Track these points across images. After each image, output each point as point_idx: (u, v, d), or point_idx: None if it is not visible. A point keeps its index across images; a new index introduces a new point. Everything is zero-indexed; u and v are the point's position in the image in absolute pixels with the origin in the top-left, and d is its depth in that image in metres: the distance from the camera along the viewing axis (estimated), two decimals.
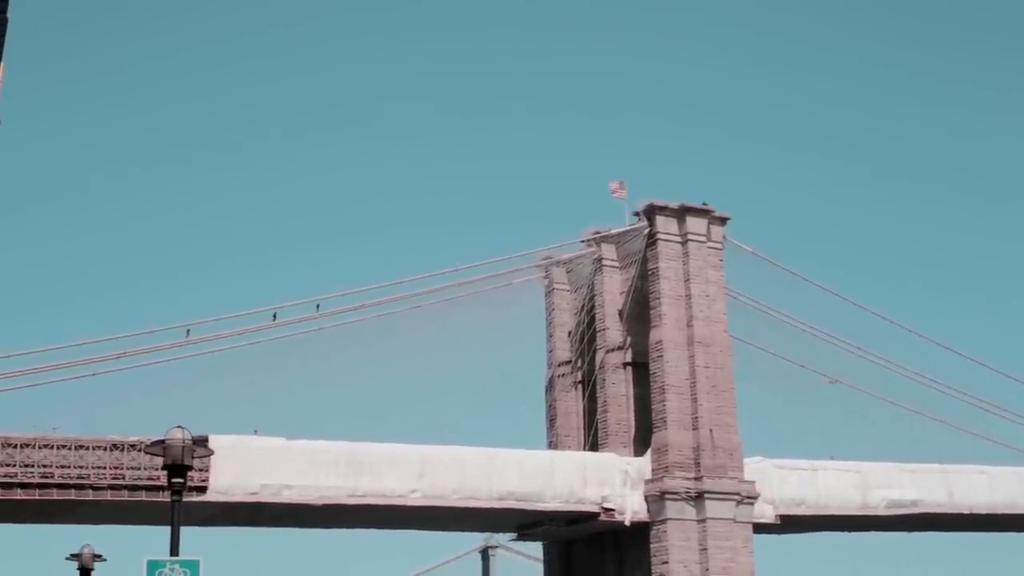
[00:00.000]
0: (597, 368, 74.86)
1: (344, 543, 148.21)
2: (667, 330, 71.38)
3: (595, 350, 75.29)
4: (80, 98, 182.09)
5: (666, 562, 68.43)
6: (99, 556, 40.55)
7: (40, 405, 63.02)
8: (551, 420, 77.47)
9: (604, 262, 75.55)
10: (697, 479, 69.32)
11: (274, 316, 66.37)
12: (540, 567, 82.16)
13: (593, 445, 74.13)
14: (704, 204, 73.94)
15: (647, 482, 69.96)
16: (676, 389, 70.68)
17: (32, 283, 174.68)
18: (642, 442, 72.31)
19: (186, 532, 27.84)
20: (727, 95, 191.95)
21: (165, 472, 28.37)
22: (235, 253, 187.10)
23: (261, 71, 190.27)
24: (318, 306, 67.22)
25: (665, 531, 68.80)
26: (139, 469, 60.71)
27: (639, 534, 70.31)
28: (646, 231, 73.49)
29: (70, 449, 60.80)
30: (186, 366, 65.39)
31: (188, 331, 64.60)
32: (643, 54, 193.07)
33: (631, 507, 69.68)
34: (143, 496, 61.16)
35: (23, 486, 60.24)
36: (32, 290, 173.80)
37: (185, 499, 28.46)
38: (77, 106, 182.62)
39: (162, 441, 28.10)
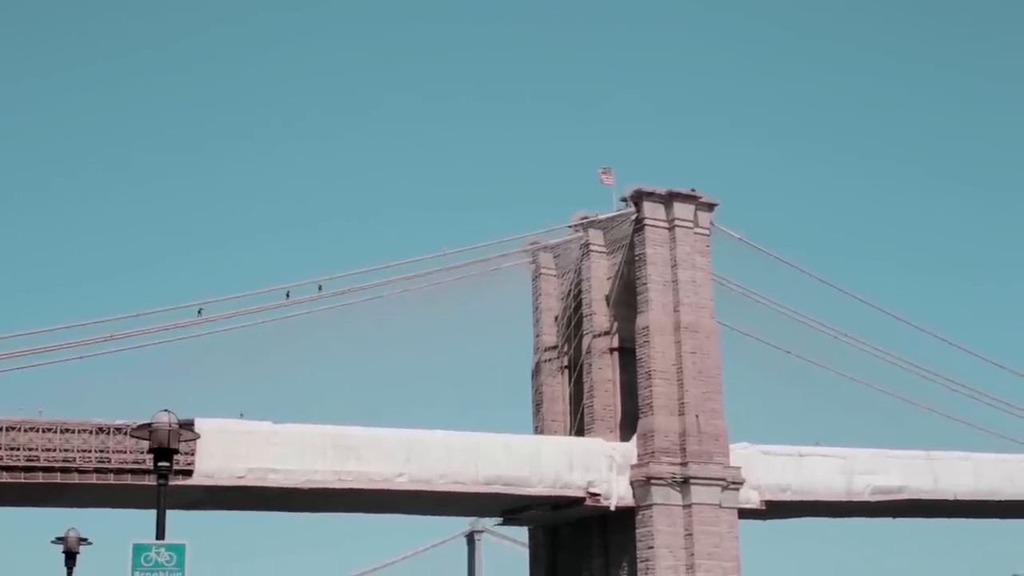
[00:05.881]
0: (584, 353, 74.90)
1: (330, 527, 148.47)
2: (654, 316, 71.43)
3: (582, 335, 75.31)
4: (81, 83, 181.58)
5: (651, 547, 68.59)
6: (84, 540, 40.56)
7: (26, 388, 63.03)
8: (537, 405, 77.53)
9: (591, 247, 75.54)
10: (683, 464, 69.46)
11: (287, 294, 66.39)
12: (526, 551, 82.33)
13: (579, 430, 74.21)
14: (692, 190, 73.93)
15: (633, 467, 70.09)
16: (662, 375, 70.78)
17: (19, 267, 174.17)
18: (628, 427, 72.42)
19: (172, 516, 27.89)
20: (715, 81, 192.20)
21: (151, 456, 28.40)
22: (220, 239, 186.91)
23: (260, 61, 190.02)
24: (320, 287, 67.13)
25: (651, 516, 68.96)
26: (125, 453, 60.66)
27: (625, 519, 70.47)
28: (633, 217, 73.50)
29: (56, 432, 60.71)
30: (172, 350, 65.46)
31: (200, 311, 64.59)
32: (631, 40, 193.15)
33: (617, 492, 69.82)
34: (129, 480, 61.15)
35: (8, 469, 60.17)
36: (19, 274, 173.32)
37: (171, 483, 28.46)
38: (77, 91, 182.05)
39: (148, 424, 28.12)
